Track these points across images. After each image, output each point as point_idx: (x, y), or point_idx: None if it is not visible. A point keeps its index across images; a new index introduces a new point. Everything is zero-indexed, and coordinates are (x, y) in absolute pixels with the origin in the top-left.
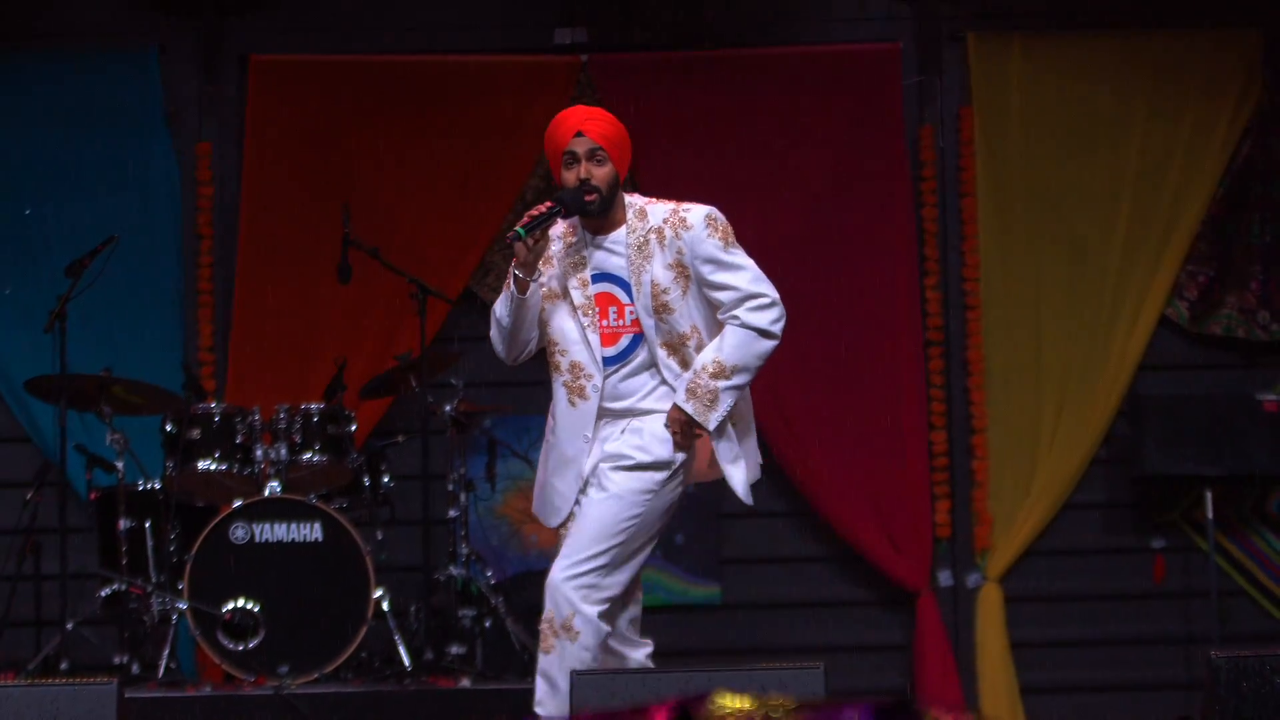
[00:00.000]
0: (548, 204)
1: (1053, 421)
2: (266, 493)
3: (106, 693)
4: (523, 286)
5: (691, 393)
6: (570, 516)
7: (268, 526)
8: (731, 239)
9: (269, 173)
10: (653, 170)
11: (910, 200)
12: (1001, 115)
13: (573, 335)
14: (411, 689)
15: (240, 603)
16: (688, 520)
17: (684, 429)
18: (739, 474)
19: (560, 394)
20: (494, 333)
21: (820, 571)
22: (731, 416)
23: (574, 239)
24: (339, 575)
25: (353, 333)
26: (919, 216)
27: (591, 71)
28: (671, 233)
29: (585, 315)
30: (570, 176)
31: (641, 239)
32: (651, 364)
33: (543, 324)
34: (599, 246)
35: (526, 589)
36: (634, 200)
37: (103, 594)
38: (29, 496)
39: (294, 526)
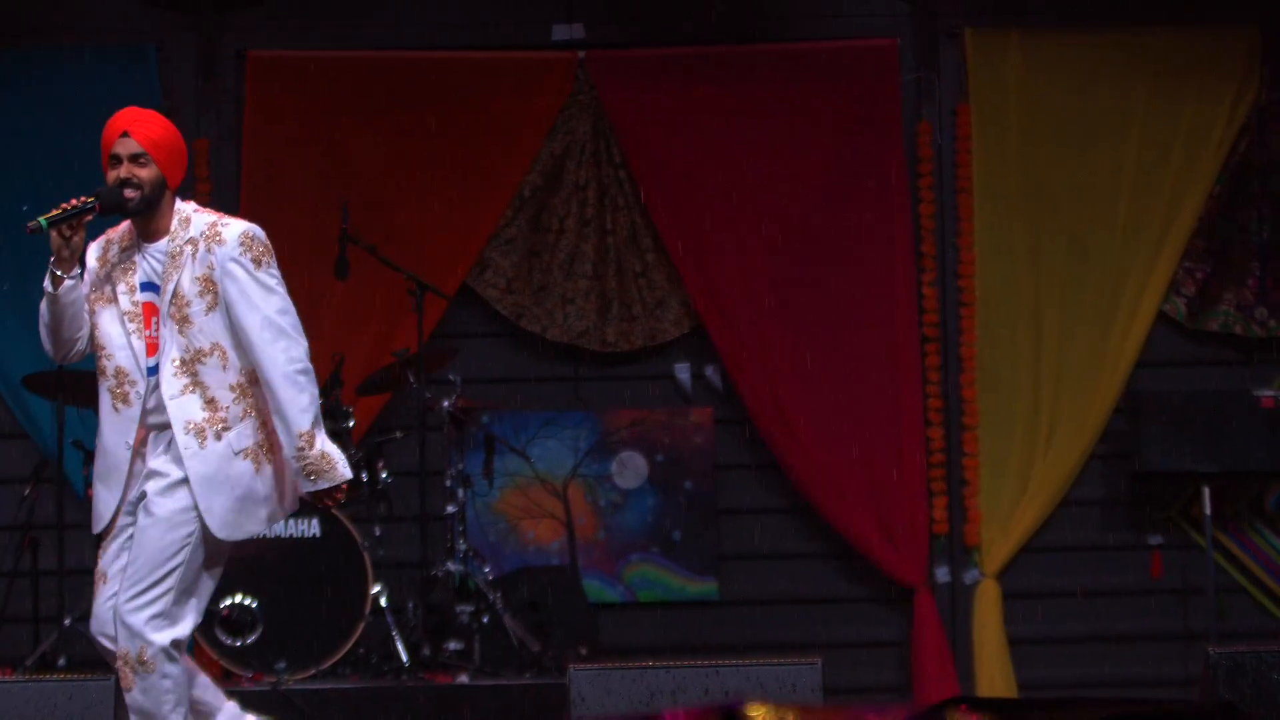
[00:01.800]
0: (83, 198)
1: (1050, 417)
2: None
3: (103, 689)
4: (54, 281)
5: (311, 473)
6: (112, 526)
7: None
8: (267, 261)
9: (267, 169)
10: (649, 167)
11: (907, 196)
12: (999, 111)
13: (118, 340)
14: (409, 685)
15: (238, 599)
16: (685, 517)
17: (335, 500)
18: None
19: (105, 399)
20: (41, 330)
21: (818, 567)
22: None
23: (129, 244)
24: (337, 571)
25: (350, 329)
26: (916, 212)
27: (589, 68)
28: (205, 246)
29: (131, 321)
30: (112, 176)
31: (178, 248)
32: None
33: (94, 326)
34: (146, 254)
35: (524, 585)
36: (183, 208)
37: None
38: (26, 492)
39: (292, 522)
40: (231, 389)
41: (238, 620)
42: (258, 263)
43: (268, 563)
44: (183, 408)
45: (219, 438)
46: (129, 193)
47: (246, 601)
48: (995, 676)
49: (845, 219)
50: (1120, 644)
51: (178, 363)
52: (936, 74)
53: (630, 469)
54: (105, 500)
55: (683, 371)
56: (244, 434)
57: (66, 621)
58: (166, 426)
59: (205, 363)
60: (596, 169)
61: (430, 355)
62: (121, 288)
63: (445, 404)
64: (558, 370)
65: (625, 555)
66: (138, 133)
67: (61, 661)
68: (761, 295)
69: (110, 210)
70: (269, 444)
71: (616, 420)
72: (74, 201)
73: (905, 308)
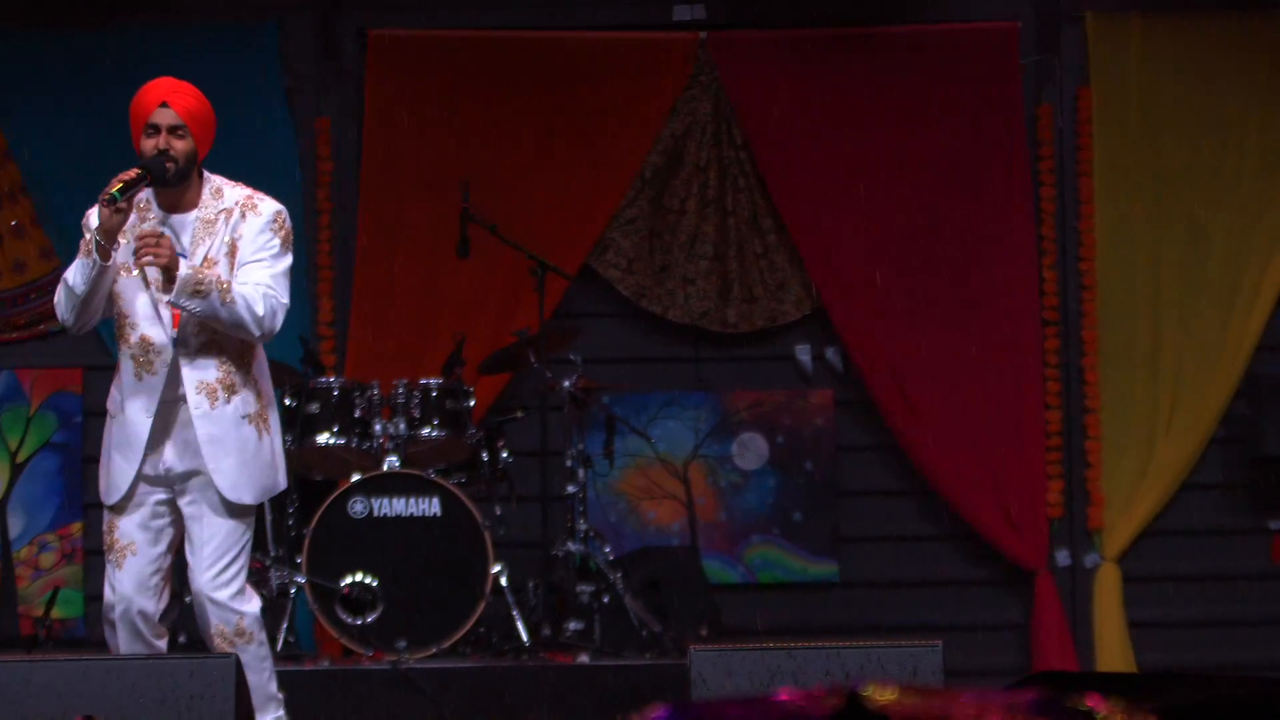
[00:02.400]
0: (135, 170)
1: (1170, 401)
2: (385, 467)
3: (225, 666)
4: (104, 254)
5: (194, 275)
6: (131, 495)
7: (386, 501)
8: (288, 245)
9: (388, 148)
10: (770, 148)
11: (1029, 180)
12: (1120, 95)
13: (144, 310)
14: (529, 664)
15: (358, 577)
16: (805, 499)
17: (167, 260)
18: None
19: (127, 366)
20: (62, 299)
21: (938, 550)
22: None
23: (150, 214)
24: (457, 550)
25: (472, 308)
26: (1037, 196)
27: (710, 49)
28: (239, 215)
29: (159, 290)
30: (149, 145)
31: (212, 216)
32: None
33: (114, 296)
34: (171, 224)
35: (644, 565)
36: (213, 179)
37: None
38: None
39: (412, 501)
40: (241, 355)
41: (358, 599)
42: (284, 243)
43: (388, 541)
44: (197, 369)
45: (228, 400)
46: (169, 164)
47: (367, 580)
48: (1115, 660)
49: (966, 202)
50: (1240, 628)
51: (195, 325)
52: (1057, 57)
53: (751, 450)
54: (123, 470)
55: (803, 353)
56: (248, 400)
57: (187, 599)
58: (178, 398)
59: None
60: (717, 149)
61: (551, 335)
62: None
63: (566, 384)
64: (678, 351)
65: (745, 536)
66: (176, 103)
67: (182, 638)
68: (882, 277)
69: (157, 181)
70: (267, 417)
71: (737, 401)
72: (129, 174)
73: (1026, 291)
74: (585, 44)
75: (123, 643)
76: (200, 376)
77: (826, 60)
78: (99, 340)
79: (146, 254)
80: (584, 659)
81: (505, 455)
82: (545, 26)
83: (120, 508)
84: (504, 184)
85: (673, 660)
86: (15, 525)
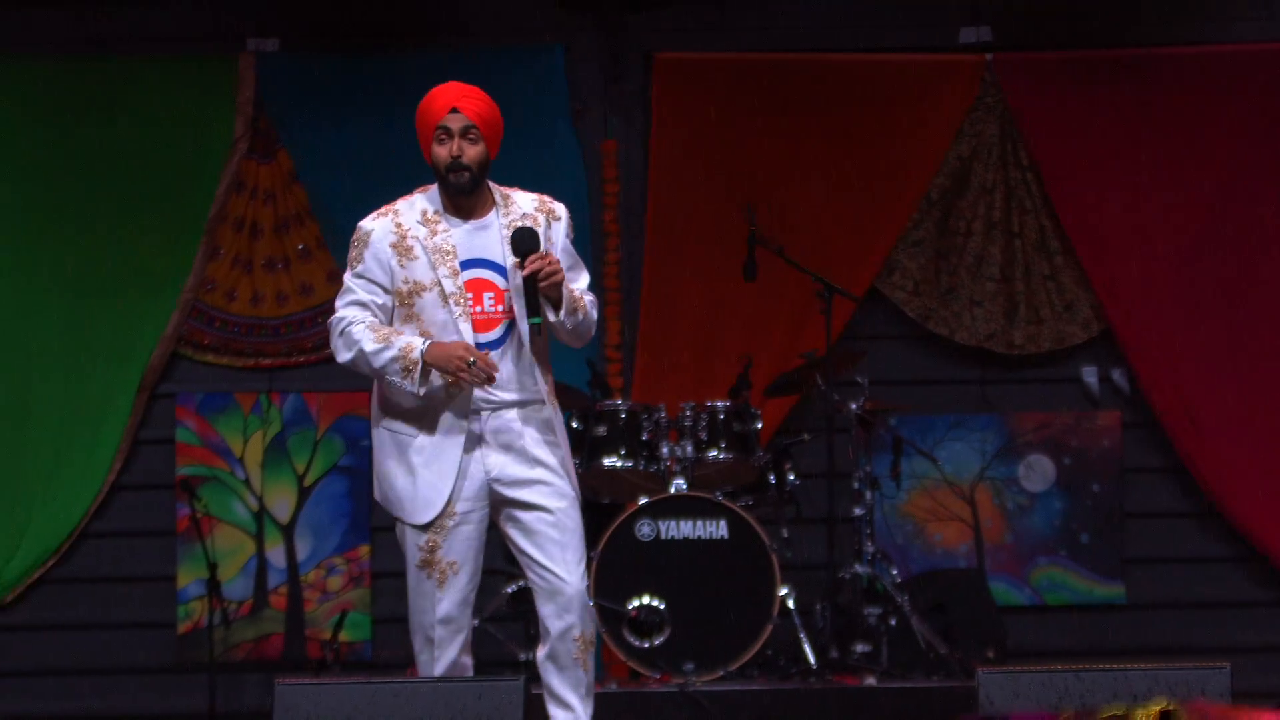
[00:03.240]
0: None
1: None
2: (672, 490)
3: (513, 689)
4: (425, 381)
5: (571, 293)
6: (449, 511)
7: (673, 523)
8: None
9: (674, 171)
10: (1057, 169)
11: None
12: None
13: (444, 322)
14: (816, 687)
15: (646, 600)
16: (1092, 520)
17: (548, 272)
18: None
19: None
20: (344, 355)
21: (1226, 571)
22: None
23: (439, 224)
24: (744, 573)
25: (758, 331)
26: None
27: (996, 70)
28: (544, 219)
29: (456, 304)
30: (441, 151)
31: (517, 219)
32: (522, 348)
33: (412, 316)
34: (466, 232)
35: (931, 587)
36: (494, 186)
37: (509, 590)
38: None
39: (699, 524)
40: (545, 374)
41: (645, 621)
42: (574, 243)
43: (675, 564)
44: (518, 379)
45: (549, 406)
46: (457, 175)
47: (654, 603)
48: None
49: (1253, 222)
50: None
51: (516, 333)
52: None
53: (1037, 472)
54: (436, 488)
55: (1090, 375)
56: (555, 417)
57: (475, 622)
58: (507, 406)
59: (539, 332)
60: (1004, 171)
61: (838, 357)
62: (443, 271)
63: (853, 406)
64: (964, 373)
65: (1032, 558)
66: (467, 107)
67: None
68: (1170, 298)
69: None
70: (565, 434)
71: (1023, 423)
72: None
73: None
74: (871, 66)
75: (439, 649)
76: (523, 386)
77: (1111, 81)
78: None
79: (541, 272)
80: (871, 681)
81: (792, 477)
82: (830, 49)
83: (428, 526)
84: (789, 206)
85: (960, 682)
86: (303, 549)
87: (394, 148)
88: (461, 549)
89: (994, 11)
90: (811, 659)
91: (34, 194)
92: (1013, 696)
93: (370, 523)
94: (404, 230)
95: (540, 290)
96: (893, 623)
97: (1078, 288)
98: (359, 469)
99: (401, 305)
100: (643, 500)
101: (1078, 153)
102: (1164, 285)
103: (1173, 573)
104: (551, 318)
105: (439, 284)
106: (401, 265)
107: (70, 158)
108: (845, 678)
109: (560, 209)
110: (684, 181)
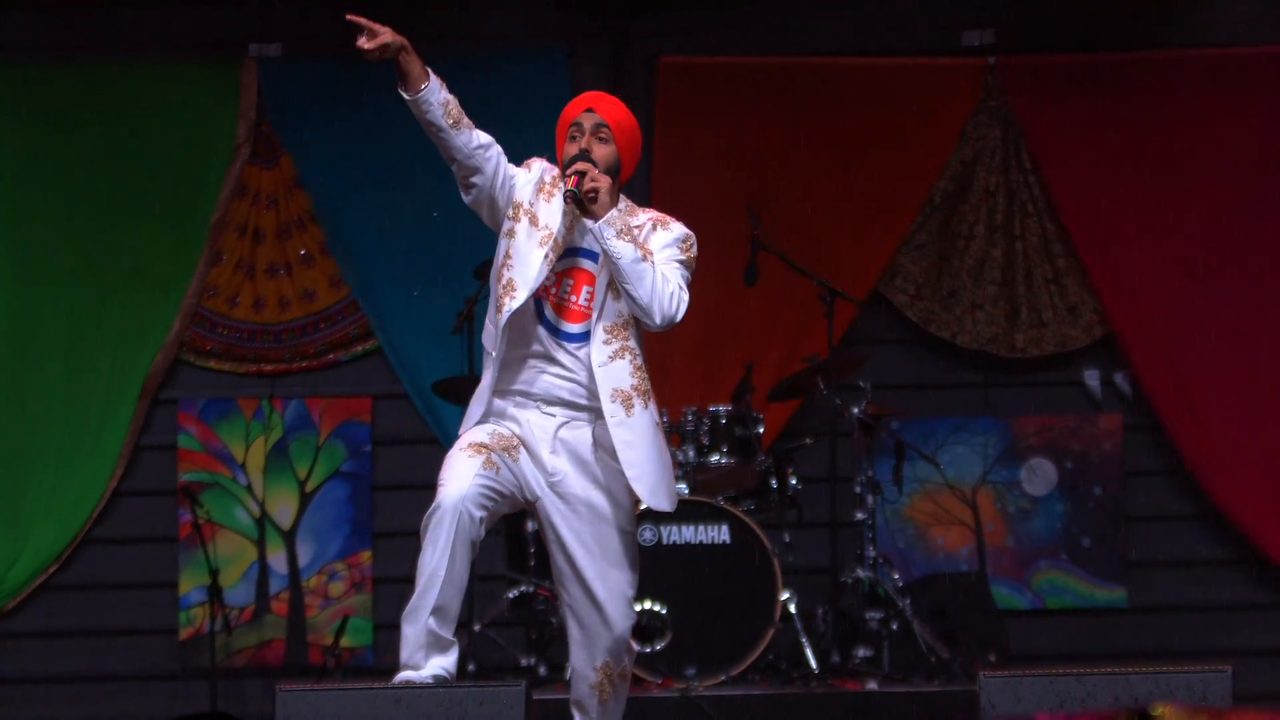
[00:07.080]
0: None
1: None
2: None
3: (514, 694)
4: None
5: (625, 219)
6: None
7: (675, 528)
8: (691, 267)
9: (677, 174)
10: (1060, 173)
11: None
12: None
13: (529, 258)
14: (818, 692)
15: (647, 604)
16: (1094, 524)
17: (595, 183)
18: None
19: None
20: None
21: (1227, 574)
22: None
23: (568, 209)
24: (746, 577)
25: (761, 335)
26: None
27: (999, 73)
28: (650, 229)
29: (554, 251)
30: (571, 149)
31: (623, 225)
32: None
33: (510, 235)
34: (585, 224)
35: (933, 591)
36: (622, 198)
37: (510, 596)
38: None
39: (701, 529)
40: (643, 359)
41: (648, 626)
42: (688, 264)
43: (677, 569)
44: (611, 375)
45: (645, 406)
46: (577, 173)
47: (656, 608)
48: None
49: (1259, 228)
50: None
51: (610, 328)
52: None
53: (1040, 476)
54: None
55: (1092, 378)
56: (654, 407)
57: (476, 627)
58: (584, 406)
59: (632, 328)
60: (1006, 175)
61: (840, 361)
62: (562, 225)
63: (855, 410)
64: (966, 376)
65: (1034, 562)
66: (602, 109)
67: (471, 668)
68: (1173, 301)
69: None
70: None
71: (1025, 427)
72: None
73: None
74: (874, 70)
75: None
76: (615, 383)
77: (1116, 84)
78: (388, 370)
79: (582, 179)
80: (873, 685)
81: (794, 482)
82: (833, 53)
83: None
84: (792, 210)
85: (962, 686)
86: (304, 554)
87: (397, 153)
88: (509, 475)
89: (997, 15)
90: (813, 663)
91: (36, 199)
92: (1015, 700)
93: (372, 528)
94: (545, 187)
95: (582, 193)
96: (894, 627)
97: (1080, 291)
98: (360, 475)
99: (509, 219)
100: (645, 505)
101: (1080, 156)
102: (1167, 288)
103: (1174, 576)
104: (590, 224)
105: (550, 230)
106: (536, 199)
107: (73, 163)
108: (847, 682)
109: (675, 225)
110: (687, 184)
